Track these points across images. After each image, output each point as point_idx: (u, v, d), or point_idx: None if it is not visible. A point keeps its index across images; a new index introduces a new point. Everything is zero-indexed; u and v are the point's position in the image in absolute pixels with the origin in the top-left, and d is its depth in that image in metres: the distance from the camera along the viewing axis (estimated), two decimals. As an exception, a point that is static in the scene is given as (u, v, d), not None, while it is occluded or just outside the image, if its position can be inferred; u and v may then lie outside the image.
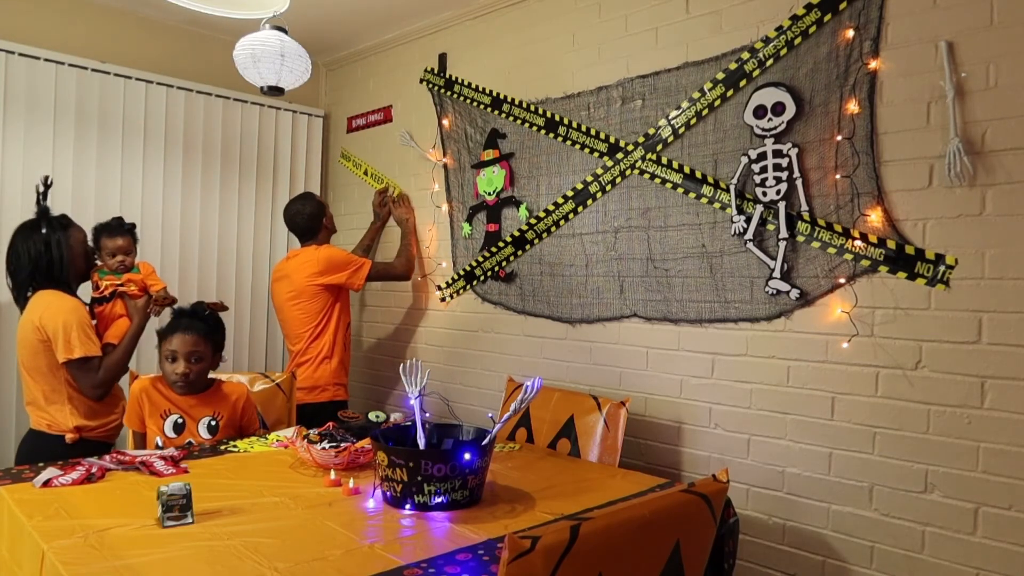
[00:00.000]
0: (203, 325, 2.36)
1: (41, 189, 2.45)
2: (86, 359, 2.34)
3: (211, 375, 2.45)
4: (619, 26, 2.77)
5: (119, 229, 2.64)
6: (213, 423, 2.34)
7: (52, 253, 2.39)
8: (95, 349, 2.38)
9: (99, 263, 2.63)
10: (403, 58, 3.74)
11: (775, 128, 2.30)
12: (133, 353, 2.54)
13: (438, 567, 1.40)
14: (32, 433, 2.41)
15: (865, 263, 2.13)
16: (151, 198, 3.51)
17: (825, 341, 2.22)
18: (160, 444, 2.28)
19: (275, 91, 2.57)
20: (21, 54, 3.12)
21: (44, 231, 2.39)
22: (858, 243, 2.14)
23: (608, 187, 2.77)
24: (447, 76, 3.46)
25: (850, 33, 2.16)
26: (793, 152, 2.26)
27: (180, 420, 2.31)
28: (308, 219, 3.27)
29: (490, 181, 3.23)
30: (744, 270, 2.39)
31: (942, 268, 2.00)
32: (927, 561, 2.03)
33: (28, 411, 2.42)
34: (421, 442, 1.92)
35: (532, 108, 3.05)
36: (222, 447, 2.26)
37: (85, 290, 2.60)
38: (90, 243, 2.62)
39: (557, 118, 2.95)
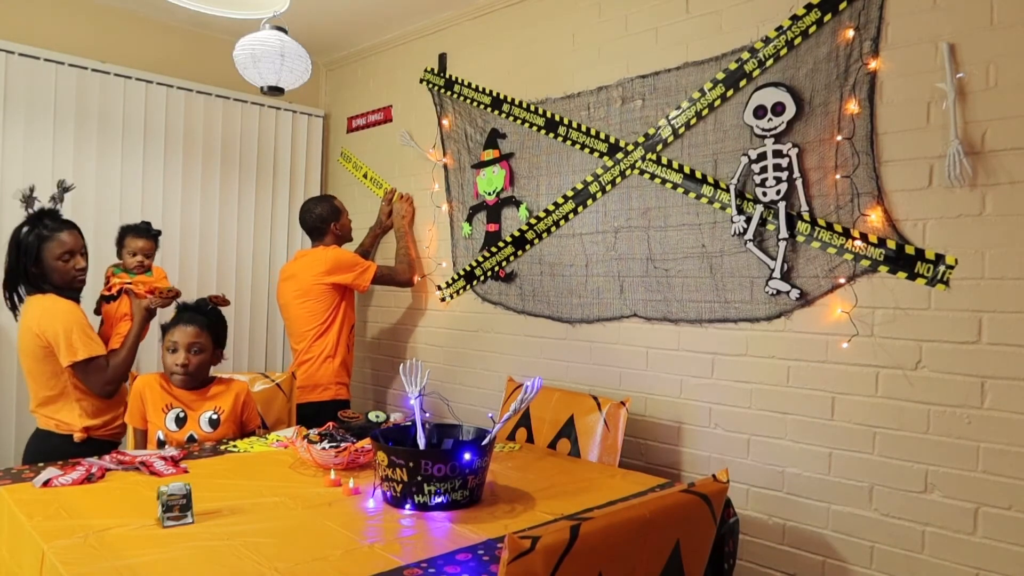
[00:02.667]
0: (204, 318, 2.42)
1: (26, 195, 2.43)
2: (91, 359, 2.34)
3: (212, 373, 2.46)
4: (619, 26, 2.77)
5: (145, 232, 2.75)
6: (214, 417, 2.36)
7: (21, 259, 2.35)
8: (98, 348, 2.38)
9: (118, 260, 2.71)
10: (403, 58, 3.74)
11: (775, 128, 2.30)
12: (137, 351, 2.54)
13: (438, 567, 1.40)
14: (40, 432, 2.41)
15: (865, 263, 2.13)
16: (151, 198, 3.51)
17: (825, 341, 2.22)
18: (162, 438, 2.29)
19: (275, 91, 2.57)
20: (21, 54, 3.12)
21: (21, 235, 2.37)
22: (858, 243, 2.14)
23: (608, 187, 2.77)
24: (447, 76, 3.46)
25: (850, 33, 2.16)
26: (793, 152, 2.26)
27: (182, 414, 2.32)
28: (315, 219, 3.30)
29: (490, 181, 3.23)
30: (744, 270, 2.39)
31: (942, 268, 2.00)
32: (927, 561, 2.02)
33: (35, 415, 2.41)
34: (421, 442, 1.92)
35: (532, 108, 3.05)
36: (222, 447, 2.26)
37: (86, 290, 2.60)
38: (114, 241, 2.70)
39: (557, 118, 2.95)
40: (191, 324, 2.37)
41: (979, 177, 1.94)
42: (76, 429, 2.37)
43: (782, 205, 2.28)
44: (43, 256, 2.36)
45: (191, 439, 2.31)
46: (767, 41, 2.32)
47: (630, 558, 1.32)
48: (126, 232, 2.76)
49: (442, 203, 3.49)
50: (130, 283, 2.62)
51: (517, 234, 3.10)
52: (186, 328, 2.36)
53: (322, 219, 3.29)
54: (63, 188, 2.49)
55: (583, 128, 2.85)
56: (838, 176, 2.18)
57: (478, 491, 1.83)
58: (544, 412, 2.64)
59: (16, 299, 2.42)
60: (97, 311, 2.71)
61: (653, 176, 2.63)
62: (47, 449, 2.32)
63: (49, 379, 2.35)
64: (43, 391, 2.37)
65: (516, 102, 3.12)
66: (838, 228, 2.18)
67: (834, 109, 2.19)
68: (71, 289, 2.44)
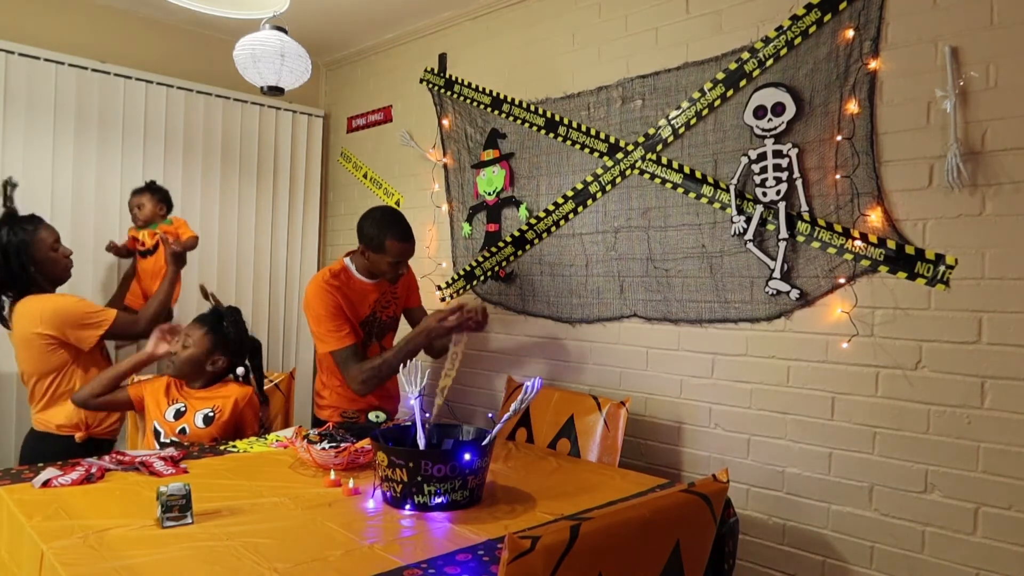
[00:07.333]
0: (210, 320, 2.46)
1: (9, 191, 2.42)
2: (112, 324, 2.41)
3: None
4: (619, 26, 2.77)
5: (143, 188, 3.07)
6: (210, 415, 2.37)
7: (11, 263, 2.31)
8: (110, 312, 2.45)
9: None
10: (403, 58, 3.74)
11: (775, 128, 2.30)
12: (171, 299, 2.69)
13: (438, 568, 1.39)
14: (36, 433, 2.40)
15: (865, 263, 2.13)
16: (151, 198, 3.52)
17: (825, 341, 2.22)
18: (157, 427, 2.31)
19: (275, 91, 2.57)
20: (21, 54, 3.12)
21: (4, 238, 2.31)
22: (858, 243, 2.14)
23: (608, 187, 2.77)
24: (447, 76, 3.45)
25: (850, 33, 2.16)
26: (793, 152, 2.26)
27: (183, 408, 2.35)
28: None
29: (490, 181, 3.23)
30: (744, 270, 2.39)
31: (942, 268, 2.00)
32: (927, 561, 2.02)
33: (34, 417, 2.40)
34: (421, 442, 1.92)
35: (532, 108, 3.05)
36: (222, 447, 2.26)
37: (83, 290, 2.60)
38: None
39: (557, 118, 2.95)
40: (196, 320, 2.45)
41: (979, 177, 1.94)
42: (73, 429, 2.36)
43: (782, 205, 2.28)
44: (35, 252, 2.36)
45: (182, 431, 2.32)
46: (767, 41, 2.32)
47: (630, 558, 1.32)
48: (131, 194, 3.08)
49: (442, 203, 3.49)
50: (165, 235, 2.84)
51: (517, 234, 3.10)
52: (192, 323, 2.45)
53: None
54: (11, 186, 2.46)
55: (583, 128, 2.85)
56: (838, 176, 2.18)
57: (478, 491, 1.83)
58: (544, 412, 2.64)
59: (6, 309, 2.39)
60: (134, 271, 3.05)
61: (653, 176, 2.63)
62: (43, 450, 2.31)
63: (46, 378, 2.34)
64: (39, 391, 2.36)
65: (516, 102, 3.12)
66: (838, 228, 2.18)
67: (834, 109, 2.19)
68: (63, 280, 2.49)
